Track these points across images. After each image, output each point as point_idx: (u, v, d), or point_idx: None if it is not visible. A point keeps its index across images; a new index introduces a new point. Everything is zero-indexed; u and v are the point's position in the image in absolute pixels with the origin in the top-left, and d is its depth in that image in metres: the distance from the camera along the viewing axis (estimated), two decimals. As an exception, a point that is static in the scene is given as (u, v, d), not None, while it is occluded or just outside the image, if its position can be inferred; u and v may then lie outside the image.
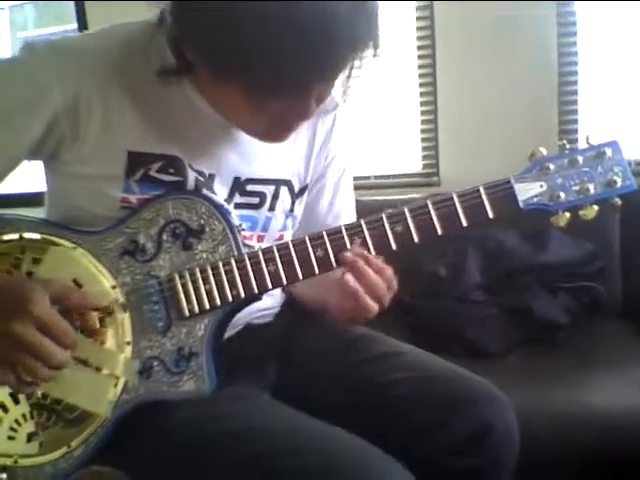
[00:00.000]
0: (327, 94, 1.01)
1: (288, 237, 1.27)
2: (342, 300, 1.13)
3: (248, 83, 0.93)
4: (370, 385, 1.20)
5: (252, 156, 1.17)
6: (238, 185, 1.18)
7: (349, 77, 0.97)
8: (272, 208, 1.23)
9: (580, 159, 1.07)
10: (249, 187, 1.19)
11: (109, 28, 1.11)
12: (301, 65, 0.88)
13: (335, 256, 1.08)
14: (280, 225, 1.25)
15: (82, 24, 3.09)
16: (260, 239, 1.23)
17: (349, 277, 1.08)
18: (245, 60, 0.88)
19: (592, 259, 2.28)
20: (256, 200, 1.21)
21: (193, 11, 0.90)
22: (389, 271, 1.12)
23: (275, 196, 1.23)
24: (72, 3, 3.11)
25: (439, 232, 1.08)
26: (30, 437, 1.05)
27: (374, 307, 1.10)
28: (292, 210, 1.27)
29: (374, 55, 0.96)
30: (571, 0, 2.50)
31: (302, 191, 1.28)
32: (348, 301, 1.11)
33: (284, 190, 1.24)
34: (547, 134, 2.53)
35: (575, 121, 2.58)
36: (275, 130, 1.05)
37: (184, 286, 1.07)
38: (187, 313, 1.07)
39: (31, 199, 1.33)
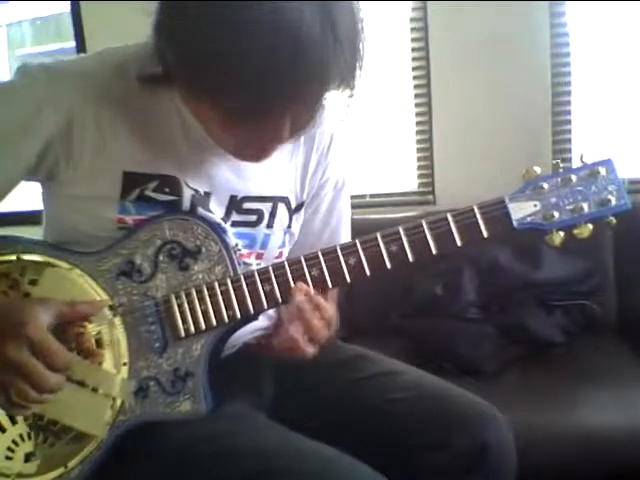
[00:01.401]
0: (306, 119, 0.98)
1: (286, 254, 1.27)
2: (280, 342, 1.13)
3: (216, 103, 0.93)
4: (365, 405, 1.20)
5: (248, 174, 1.17)
6: (235, 203, 1.18)
7: (319, 107, 0.95)
8: (270, 225, 1.23)
9: (574, 178, 1.07)
10: (246, 205, 1.19)
11: (104, 51, 1.11)
12: (269, 89, 0.87)
13: (330, 275, 1.08)
14: (279, 242, 1.25)
15: (80, 41, 3.09)
16: (259, 257, 1.23)
17: (291, 328, 1.08)
18: (213, 80, 0.88)
19: (586, 277, 2.28)
20: (253, 218, 1.21)
21: (168, 28, 0.91)
22: (331, 311, 1.11)
23: (273, 213, 1.23)
24: (70, 20, 3.12)
25: (434, 251, 1.08)
26: (28, 457, 1.04)
27: (311, 352, 1.10)
28: (290, 227, 1.27)
29: (349, 94, 0.96)
30: (564, 15, 2.52)
31: (299, 208, 1.28)
32: (287, 344, 1.11)
33: (282, 207, 1.24)
34: (541, 152, 2.55)
35: (569, 140, 2.60)
36: (248, 150, 1.04)
37: (180, 306, 1.07)
38: (183, 333, 1.07)
39: (28, 217, 1.34)
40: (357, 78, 0.95)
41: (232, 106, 0.91)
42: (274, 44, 0.84)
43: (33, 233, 1.14)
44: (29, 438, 1.05)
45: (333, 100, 0.99)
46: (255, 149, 1.03)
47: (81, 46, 3.09)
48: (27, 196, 1.26)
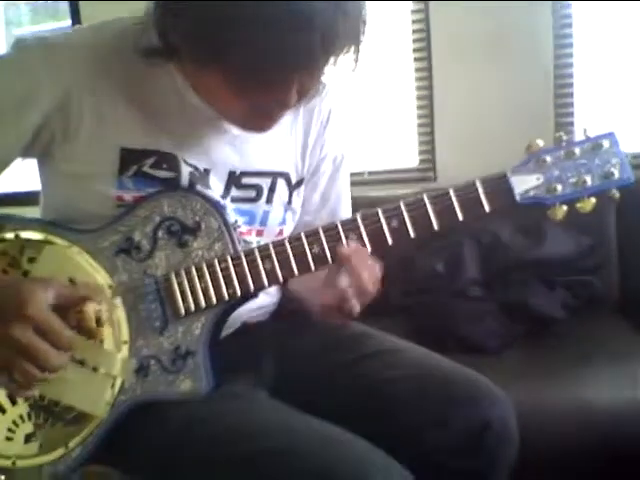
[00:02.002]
0: (310, 86, 0.99)
1: (288, 232, 1.26)
2: (327, 299, 1.11)
3: (225, 68, 0.93)
4: (366, 382, 1.20)
5: (246, 149, 1.17)
6: (233, 179, 1.18)
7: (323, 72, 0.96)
8: (269, 201, 1.22)
9: (577, 151, 1.06)
10: (244, 180, 1.19)
11: (101, 23, 1.10)
12: (277, 53, 0.87)
13: (331, 252, 1.08)
14: (279, 219, 1.24)
15: (76, 21, 3.09)
16: (259, 234, 1.22)
17: (342, 278, 1.07)
18: (222, 45, 0.88)
19: (589, 253, 2.27)
20: (252, 193, 1.20)
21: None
22: (377, 268, 1.10)
23: (272, 189, 1.22)
24: (67, 1, 3.10)
25: (435, 227, 1.07)
26: (28, 438, 1.05)
27: (357, 308, 1.09)
28: (290, 202, 1.26)
29: (355, 58, 0.95)
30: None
31: (299, 183, 1.28)
32: (333, 300, 1.09)
33: (281, 182, 1.24)
34: (543, 128, 2.52)
35: (571, 114, 2.58)
36: (256, 119, 1.04)
37: (180, 285, 1.07)
38: (183, 312, 1.07)
39: (26, 198, 1.33)
40: (360, 43, 0.95)
41: (242, 68, 0.91)
42: (284, 7, 0.85)
43: (31, 213, 1.14)
44: (29, 419, 1.05)
45: (331, 75, 0.99)
46: (262, 117, 1.03)
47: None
48: (25, 177, 1.25)
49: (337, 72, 0.97)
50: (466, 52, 2.60)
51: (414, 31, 2.71)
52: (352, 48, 0.94)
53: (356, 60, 0.96)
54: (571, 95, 2.57)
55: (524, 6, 2.49)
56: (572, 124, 2.58)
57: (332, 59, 0.93)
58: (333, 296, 1.08)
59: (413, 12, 2.69)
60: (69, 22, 3.12)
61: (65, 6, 3.13)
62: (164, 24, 0.95)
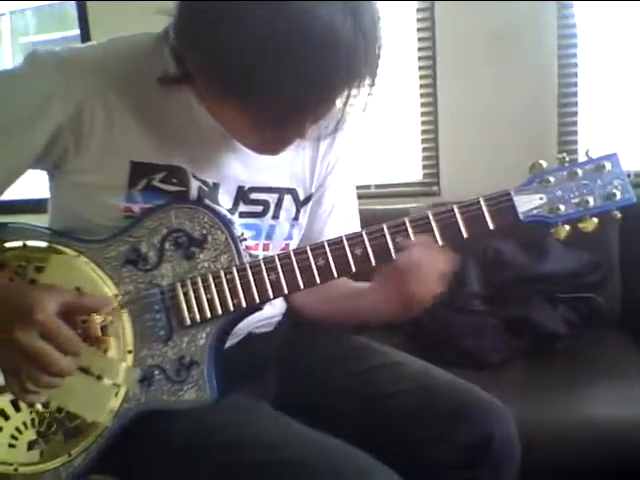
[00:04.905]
0: (323, 116, 0.99)
1: (293, 246, 1.26)
2: (391, 291, 1.14)
3: (242, 105, 0.94)
4: (370, 396, 1.20)
5: (255, 165, 1.17)
6: (242, 194, 1.18)
7: (346, 104, 0.96)
8: (276, 216, 1.23)
9: (580, 172, 1.07)
10: (252, 195, 1.20)
11: (113, 39, 1.11)
12: (296, 96, 0.88)
13: (335, 265, 1.09)
14: (285, 234, 1.25)
15: (84, 30, 3.09)
16: (265, 247, 1.23)
17: (411, 279, 1.10)
18: (240, 86, 0.89)
19: (591, 270, 2.28)
20: (259, 208, 1.21)
21: (192, 29, 0.91)
22: (446, 265, 1.12)
23: (278, 205, 1.23)
24: (74, 9, 3.12)
25: (440, 243, 1.08)
26: (31, 445, 1.05)
27: (422, 308, 1.11)
28: (297, 219, 1.27)
29: (370, 88, 0.96)
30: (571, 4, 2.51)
31: (307, 200, 1.29)
32: (403, 298, 1.12)
33: (288, 198, 1.24)
34: (546, 146, 2.54)
35: (575, 132, 2.58)
36: (269, 144, 1.05)
37: (186, 295, 1.08)
38: (189, 322, 1.08)
39: (34, 206, 1.34)
40: (377, 77, 0.95)
41: (261, 112, 0.93)
42: (306, 48, 0.84)
43: (39, 221, 1.15)
44: (32, 426, 1.05)
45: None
46: (276, 144, 1.04)
47: (85, 34, 3.09)
48: (33, 184, 1.26)
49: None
50: (470, 67, 2.62)
51: (419, 49, 2.73)
52: (370, 82, 0.95)
53: (371, 90, 0.96)
54: (575, 114, 2.58)
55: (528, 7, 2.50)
56: (575, 142, 2.58)
57: (347, 96, 0.94)
58: (400, 284, 1.11)
59: (419, 30, 2.71)
60: (77, 31, 3.13)
61: (73, 14, 3.14)
62: (180, 52, 0.96)
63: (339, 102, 0.95)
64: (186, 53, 0.94)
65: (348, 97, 0.94)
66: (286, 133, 1.00)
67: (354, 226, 1.36)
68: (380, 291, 1.19)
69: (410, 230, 1.08)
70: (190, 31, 0.91)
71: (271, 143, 1.04)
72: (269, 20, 0.83)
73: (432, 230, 1.08)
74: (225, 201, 1.16)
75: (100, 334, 1.05)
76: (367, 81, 0.94)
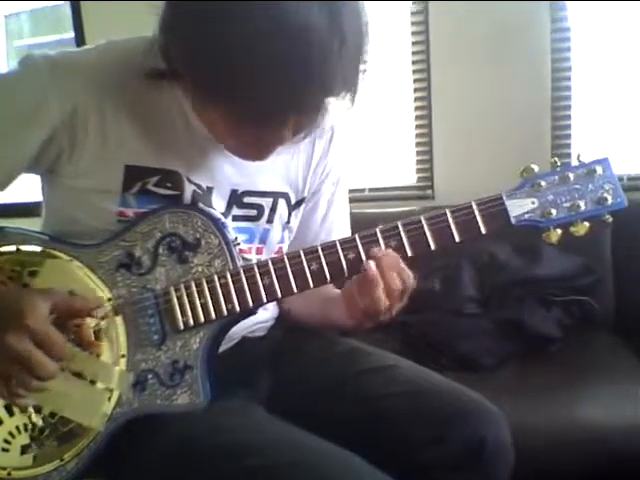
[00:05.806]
0: (306, 122, 0.99)
1: (285, 249, 1.28)
2: (356, 298, 1.11)
3: (224, 109, 0.94)
4: (362, 399, 1.20)
5: (249, 169, 1.17)
6: (235, 197, 1.19)
7: (323, 112, 0.97)
8: (270, 220, 1.24)
9: (571, 176, 1.08)
10: (246, 199, 1.20)
11: (108, 43, 1.11)
12: (275, 101, 0.89)
13: (329, 270, 1.09)
14: (278, 237, 1.26)
15: (79, 33, 3.09)
16: (259, 251, 1.24)
17: (375, 290, 1.07)
18: (220, 89, 0.89)
19: (585, 273, 2.28)
20: (254, 212, 1.22)
21: (176, 31, 0.91)
22: (411, 279, 1.11)
23: (273, 209, 1.24)
24: (69, 12, 3.12)
25: (432, 247, 1.09)
26: (24, 449, 1.05)
27: (385, 304, 1.09)
28: (288, 222, 1.28)
29: (351, 99, 0.96)
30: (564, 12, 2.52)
31: (298, 203, 1.29)
32: (363, 297, 1.10)
33: (282, 203, 1.25)
34: (539, 149, 2.55)
35: (568, 136, 2.59)
36: (252, 150, 1.05)
37: (179, 299, 1.08)
38: (182, 326, 1.08)
39: (28, 209, 1.34)
40: (359, 84, 0.95)
41: (238, 112, 0.93)
42: (284, 52, 0.85)
43: (32, 225, 1.15)
44: (25, 430, 1.05)
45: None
46: (258, 149, 1.04)
47: (80, 37, 3.09)
48: (26, 188, 1.26)
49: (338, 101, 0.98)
50: (464, 71, 2.62)
51: (413, 52, 2.74)
52: (351, 88, 0.95)
53: (353, 96, 0.97)
54: (568, 117, 2.59)
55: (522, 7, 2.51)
56: (569, 146, 2.59)
57: (328, 102, 0.95)
58: (363, 291, 1.09)
59: (413, 33, 2.72)
60: (72, 34, 3.13)
61: (67, 17, 3.14)
62: (168, 52, 0.96)
63: (319, 106, 0.95)
64: (171, 50, 0.95)
65: (323, 100, 0.94)
66: (264, 137, 1.00)
67: (346, 231, 1.36)
68: (345, 299, 1.18)
69: (403, 234, 1.08)
70: (171, 32, 0.92)
71: (252, 148, 1.04)
72: (247, 19, 0.84)
73: (425, 234, 1.08)
74: (219, 205, 1.17)
75: (93, 338, 1.05)
76: (348, 84, 0.94)
